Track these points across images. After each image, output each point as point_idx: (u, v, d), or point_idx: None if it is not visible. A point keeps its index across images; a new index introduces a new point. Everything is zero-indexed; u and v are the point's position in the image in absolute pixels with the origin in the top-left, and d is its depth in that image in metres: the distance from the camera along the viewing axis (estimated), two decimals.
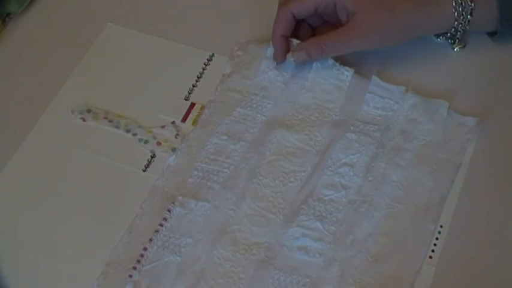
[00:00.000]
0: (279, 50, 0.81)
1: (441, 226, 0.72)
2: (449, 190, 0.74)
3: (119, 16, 0.90)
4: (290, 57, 0.81)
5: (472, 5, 0.78)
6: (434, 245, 0.71)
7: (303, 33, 0.83)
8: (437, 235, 0.71)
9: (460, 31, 0.81)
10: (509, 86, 0.82)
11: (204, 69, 0.84)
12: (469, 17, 0.79)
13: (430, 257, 0.70)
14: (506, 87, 0.82)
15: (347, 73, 0.81)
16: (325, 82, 0.81)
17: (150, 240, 0.72)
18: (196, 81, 0.84)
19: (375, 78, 0.80)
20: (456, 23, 0.80)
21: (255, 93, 0.81)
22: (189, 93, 0.83)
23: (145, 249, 0.71)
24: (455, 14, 0.79)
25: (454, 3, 0.78)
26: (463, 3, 0.78)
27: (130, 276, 0.70)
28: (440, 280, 0.69)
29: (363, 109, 0.79)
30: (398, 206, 0.73)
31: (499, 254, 0.70)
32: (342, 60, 0.82)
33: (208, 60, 0.85)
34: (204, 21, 0.89)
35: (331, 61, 0.82)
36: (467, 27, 0.80)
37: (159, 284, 0.69)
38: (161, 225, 0.73)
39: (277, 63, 0.82)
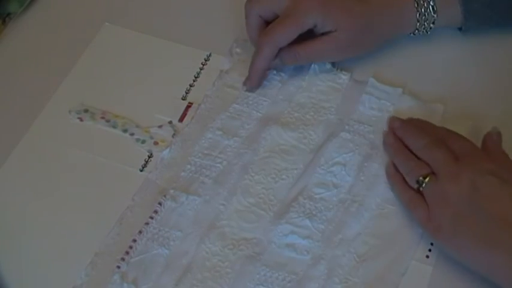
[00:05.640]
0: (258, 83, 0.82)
1: None
2: None
3: (117, 16, 0.90)
4: None
5: (435, 16, 0.80)
6: (431, 244, 0.70)
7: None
8: None
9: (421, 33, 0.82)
10: (504, 90, 0.82)
11: (201, 69, 0.84)
12: (431, 25, 0.81)
13: (427, 256, 0.70)
14: (501, 91, 0.82)
15: (344, 77, 0.82)
16: (322, 84, 0.82)
17: (140, 232, 0.72)
18: (194, 81, 0.84)
19: (371, 80, 0.81)
20: (417, 31, 0.82)
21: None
22: (186, 93, 0.83)
23: (134, 241, 0.71)
24: (418, 24, 0.81)
25: (417, 16, 0.80)
26: (426, 15, 0.80)
27: (118, 267, 0.70)
28: (438, 279, 0.69)
29: (359, 109, 0.79)
30: (389, 207, 0.72)
31: None
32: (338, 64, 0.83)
33: (205, 60, 0.85)
34: (201, 21, 0.89)
35: (328, 65, 0.83)
36: (429, 32, 0.82)
37: (145, 276, 0.69)
38: (151, 217, 0.73)
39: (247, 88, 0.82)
